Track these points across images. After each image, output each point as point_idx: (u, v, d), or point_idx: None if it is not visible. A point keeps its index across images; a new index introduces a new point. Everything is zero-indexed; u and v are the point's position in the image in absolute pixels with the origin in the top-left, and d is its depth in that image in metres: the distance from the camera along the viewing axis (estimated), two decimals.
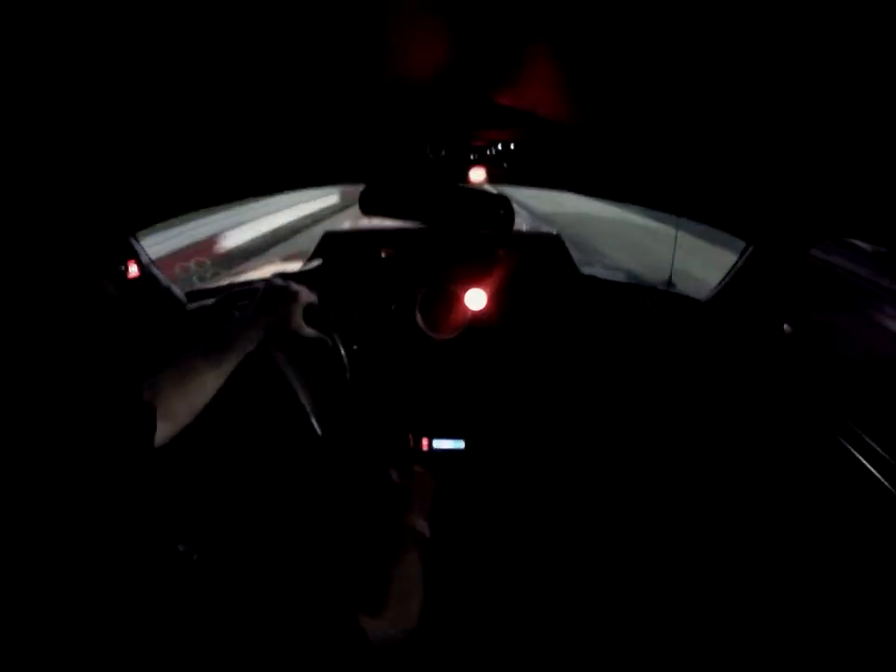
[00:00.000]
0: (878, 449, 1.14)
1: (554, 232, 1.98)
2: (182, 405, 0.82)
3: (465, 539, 1.50)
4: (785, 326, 1.43)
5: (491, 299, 1.66)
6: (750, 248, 1.47)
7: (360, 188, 1.21)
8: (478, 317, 1.67)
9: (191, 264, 3.04)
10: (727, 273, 1.59)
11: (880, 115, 0.62)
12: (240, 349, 0.94)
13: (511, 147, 1.27)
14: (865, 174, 0.84)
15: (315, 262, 1.87)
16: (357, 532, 1.26)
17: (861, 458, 1.15)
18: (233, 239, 6.77)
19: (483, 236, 1.75)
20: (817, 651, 1.16)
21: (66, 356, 1.14)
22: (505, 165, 1.31)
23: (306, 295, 1.07)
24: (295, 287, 1.06)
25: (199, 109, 0.92)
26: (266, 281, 1.08)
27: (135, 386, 0.76)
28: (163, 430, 0.75)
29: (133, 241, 1.46)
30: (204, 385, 0.87)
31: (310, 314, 1.10)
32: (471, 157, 1.30)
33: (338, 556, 1.18)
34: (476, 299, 1.66)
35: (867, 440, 1.17)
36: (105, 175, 1.12)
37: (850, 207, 1.02)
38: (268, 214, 7.87)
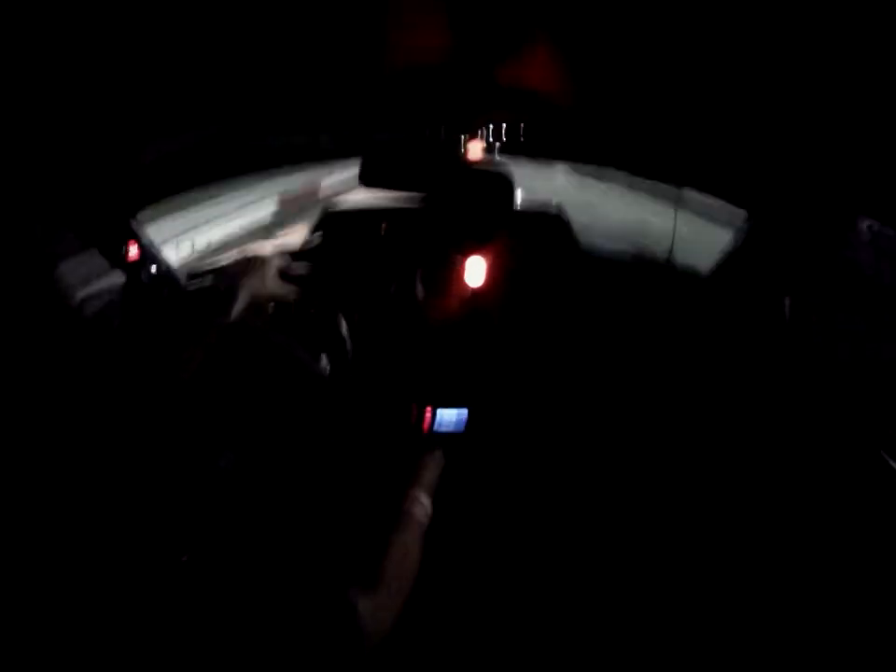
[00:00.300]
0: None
1: (555, 209, 1.97)
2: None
3: (464, 521, 1.53)
4: (786, 301, 1.43)
5: (492, 275, 1.66)
6: (751, 221, 1.46)
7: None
8: (479, 293, 1.67)
9: (191, 242, 3.03)
10: (728, 248, 1.59)
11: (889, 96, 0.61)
12: (216, 322, 0.94)
13: (513, 124, 1.26)
14: (873, 152, 0.83)
15: (315, 238, 1.87)
16: (356, 506, 1.27)
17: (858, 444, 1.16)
18: (233, 219, 6.72)
19: (484, 212, 1.74)
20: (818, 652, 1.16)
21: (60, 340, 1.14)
22: (498, 145, 1.30)
23: (278, 259, 1.07)
24: (266, 254, 1.06)
25: (201, 87, 0.91)
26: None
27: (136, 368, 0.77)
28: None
29: (134, 222, 1.46)
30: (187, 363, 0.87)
31: (285, 276, 1.10)
32: (471, 134, 1.28)
33: (334, 532, 1.19)
34: (477, 275, 1.65)
35: (864, 423, 1.18)
36: (105, 157, 1.11)
37: (857, 184, 1.01)
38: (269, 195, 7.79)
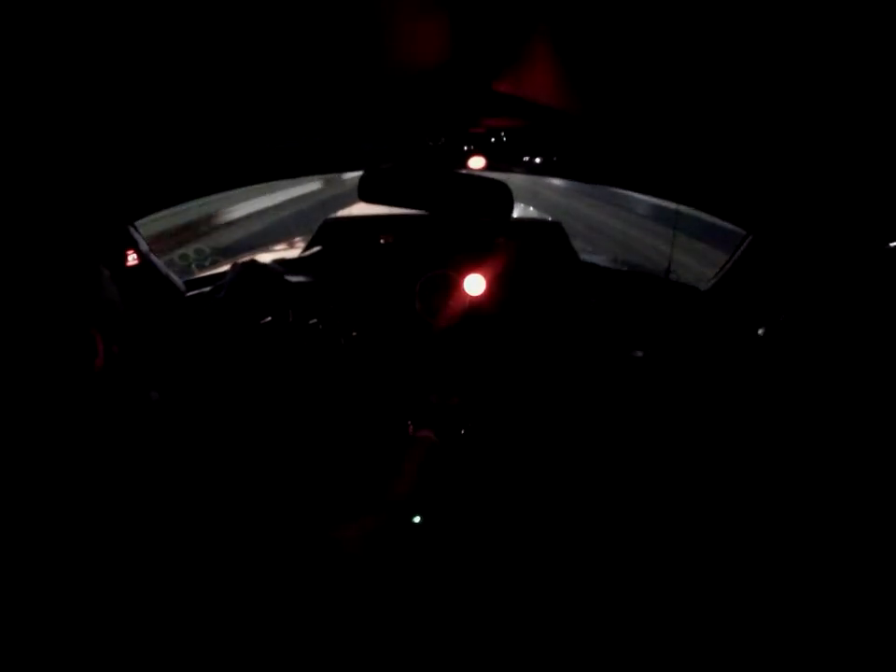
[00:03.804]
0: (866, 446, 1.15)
1: (554, 221, 1.98)
2: None
3: (462, 525, 1.52)
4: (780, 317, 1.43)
5: (490, 285, 1.66)
6: (750, 238, 1.47)
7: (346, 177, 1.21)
8: (477, 304, 1.68)
9: (190, 251, 3.03)
10: (726, 263, 1.59)
11: (884, 111, 0.61)
12: (216, 332, 0.96)
13: (512, 135, 1.26)
14: (869, 168, 0.84)
15: (315, 249, 1.87)
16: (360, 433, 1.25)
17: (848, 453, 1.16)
18: (234, 226, 6.76)
19: (483, 223, 1.75)
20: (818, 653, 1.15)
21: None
22: (532, 159, 1.30)
23: (274, 274, 1.08)
24: (262, 266, 1.07)
25: (197, 97, 0.91)
26: (233, 265, 1.09)
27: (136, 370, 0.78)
28: None
29: (132, 230, 1.46)
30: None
31: (281, 291, 1.11)
32: (471, 145, 1.29)
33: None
34: (475, 285, 1.66)
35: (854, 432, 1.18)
36: (103, 166, 1.12)
37: (854, 201, 1.01)
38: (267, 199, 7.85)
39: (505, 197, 1.16)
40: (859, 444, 1.18)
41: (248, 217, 7.22)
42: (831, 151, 0.84)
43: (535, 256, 1.80)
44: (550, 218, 2.01)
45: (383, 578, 0.79)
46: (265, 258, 1.68)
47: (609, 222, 7.89)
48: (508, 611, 1.38)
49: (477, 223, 1.74)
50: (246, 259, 1.36)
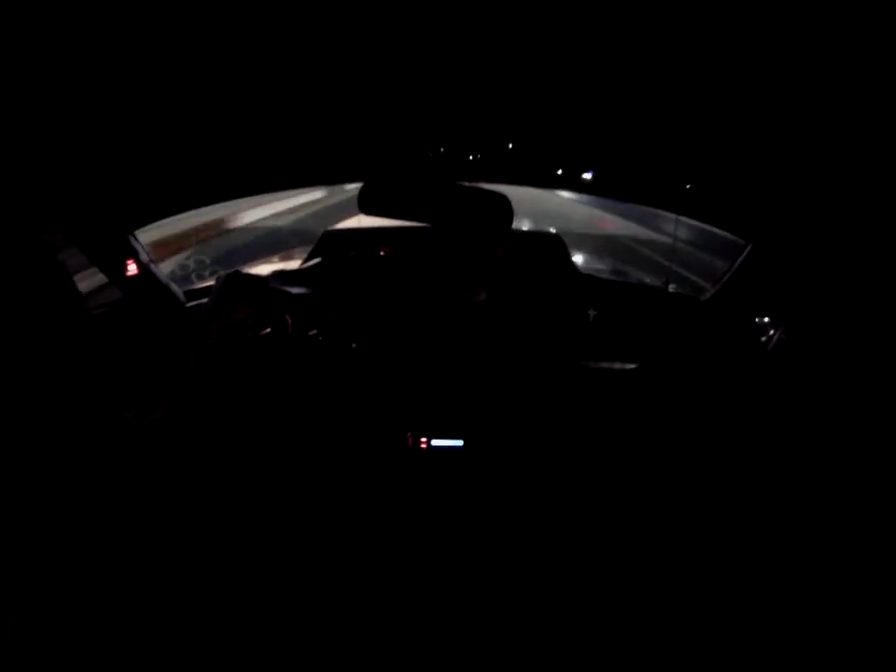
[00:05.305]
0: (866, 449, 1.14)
1: (553, 232, 1.99)
2: None
3: (462, 536, 1.51)
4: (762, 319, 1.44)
5: (490, 297, 1.66)
6: (749, 247, 1.47)
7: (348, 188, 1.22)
8: (477, 316, 1.67)
9: (190, 261, 3.05)
10: (726, 273, 1.59)
11: (883, 117, 0.62)
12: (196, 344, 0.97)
13: (511, 146, 1.27)
14: (867, 175, 0.84)
15: (314, 261, 1.87)
16: None
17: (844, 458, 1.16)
18: (234, 236, 6.79)
19: (483, 235, 1.75)
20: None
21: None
22: (532, 171, 1.31)
23: (258, 283, 1.08)
24: (244, 275, 1.07)
25: (199, 107, 0.92)
26: (217, 276, 1.10)
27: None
28: None
29: (133, 239, 1.46)
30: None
31: (267, 300, 1.11)
32: (471, 156, 1.30)
33: None
34: (475, 296, 1.66)
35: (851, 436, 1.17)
36: (104, 174, 1.12)
37: (852, 207, 1.02)
38: (270, 210, 7.90)
39: (505, 208, 1.17)
40: (862, 455, 1.17)
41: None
42: (829, 159, 0.84)
43: (534, 267, 1.80)
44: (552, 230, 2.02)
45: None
46: (265, 269, 1.68)
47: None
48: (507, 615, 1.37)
49: (477, 235, 1.74)
50: (231, 270, 1.36)
